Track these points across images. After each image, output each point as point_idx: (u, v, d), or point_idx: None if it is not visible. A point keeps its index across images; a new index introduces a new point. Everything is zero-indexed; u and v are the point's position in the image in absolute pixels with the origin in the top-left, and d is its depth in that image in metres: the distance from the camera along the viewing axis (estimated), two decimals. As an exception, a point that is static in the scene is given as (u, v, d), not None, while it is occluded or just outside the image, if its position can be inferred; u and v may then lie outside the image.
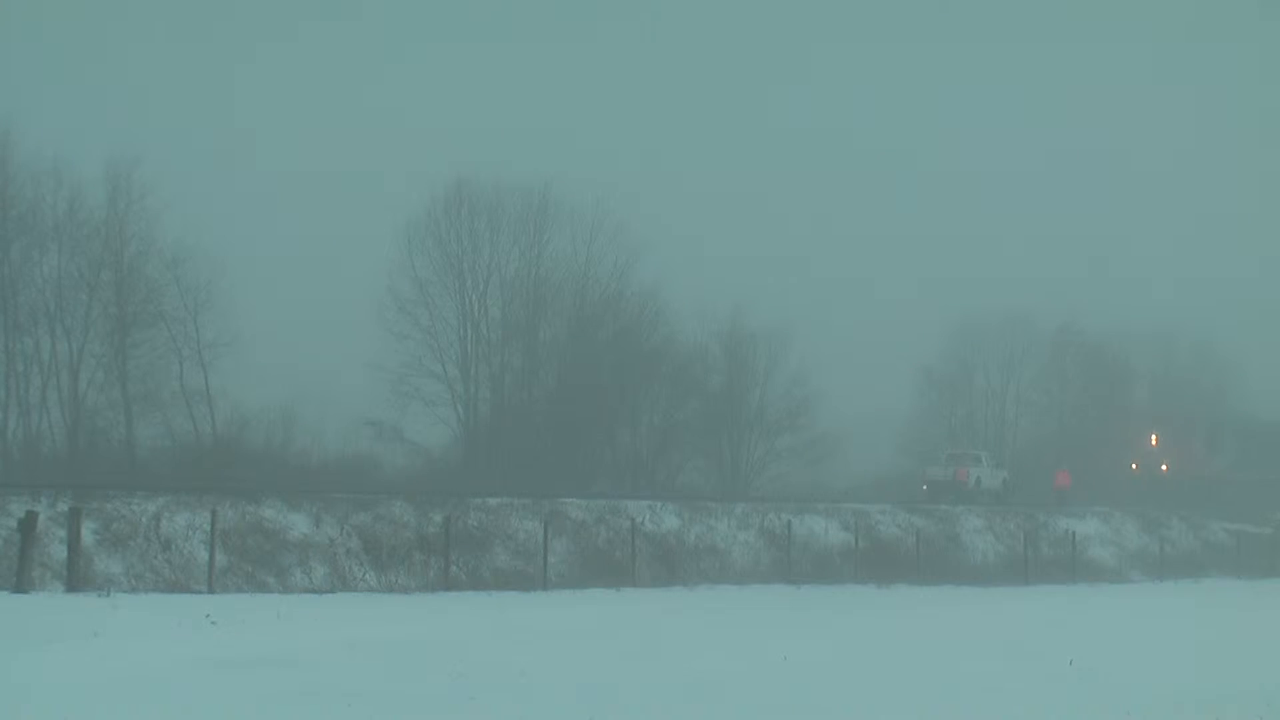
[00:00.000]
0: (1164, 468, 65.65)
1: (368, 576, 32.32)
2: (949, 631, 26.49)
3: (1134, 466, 66.71)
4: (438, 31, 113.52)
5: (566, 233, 59.80)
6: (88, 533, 28.80)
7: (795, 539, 40.33)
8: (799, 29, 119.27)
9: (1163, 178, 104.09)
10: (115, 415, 50.07)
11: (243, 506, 32.36)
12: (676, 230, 75.70)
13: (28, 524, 26.76)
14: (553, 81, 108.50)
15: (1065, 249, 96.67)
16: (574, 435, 58.17)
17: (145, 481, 37.29)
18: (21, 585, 26.07)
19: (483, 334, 58.90)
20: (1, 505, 29.04)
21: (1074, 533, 48.22)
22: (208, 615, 22.85)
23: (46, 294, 49.51)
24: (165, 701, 15.04)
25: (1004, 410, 76.18)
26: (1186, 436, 67.00)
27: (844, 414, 65.87)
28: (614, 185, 75.61)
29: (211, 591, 28.62)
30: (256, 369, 51.76)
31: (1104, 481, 63.35)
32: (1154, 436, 67.37)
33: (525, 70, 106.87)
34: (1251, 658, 22.43)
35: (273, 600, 27.16)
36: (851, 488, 59.04)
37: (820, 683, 17.89)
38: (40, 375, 49.20)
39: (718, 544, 39.63)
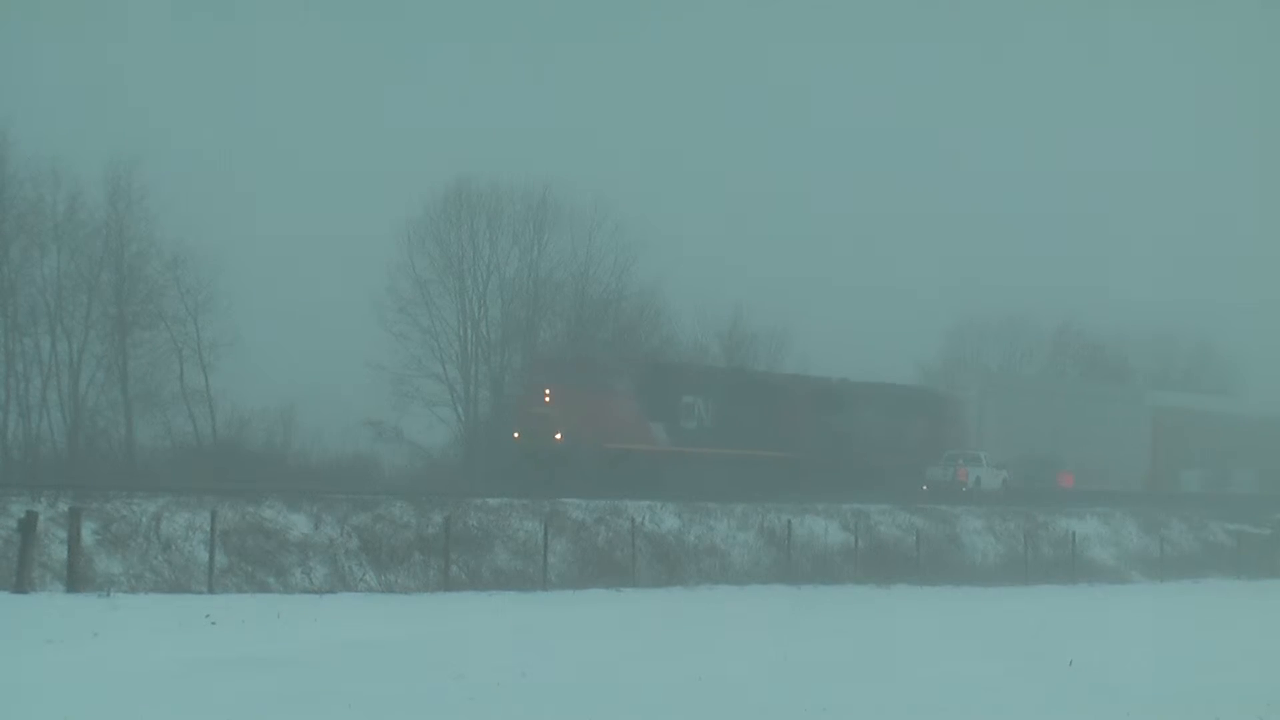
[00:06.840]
0: (558, 437, 43.78)
1: (368, 577, 32.30)
2: (949, 632, 26.49)
3: (515, 436, 45.51)
4: (438, 32, 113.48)
5: (566, 233, 59.71)
6: (88, 533, 28.77)
7: (795, 539, 40.31)
8: (800, 28, 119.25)
9: (1163, 177, 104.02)
10: (115, 415, 50.05)
11: (243, 507, 32.33)
12: (677, 230, 75.41)
13: (28, 524, 26.74)
14: (553, 81, 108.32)
15: (1065, 249, 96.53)
16: (573, 435, 58.03)
17: (145, 481, 37.24)
18: (21, 585, 26.05)
19: (483, 334, 58.87)
20: (1, 505, 28.98)
21: (1074, 533, 48.21)
22: (207, 615, 22.84)
23: (46, 294, 49.45)
24: (165, 702, 15.04)
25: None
26: (599, 392, 44.73)
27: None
28: (614, 185, 75.45)
29: (211, 592, 28.60)
30: (256, 369, 51.77)
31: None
32: (546, 392, 44.67)
33: (525, 70, 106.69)
34: (1251, 658, 22.43)
35: (273, 600, 27.15)
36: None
37: (820, 683, 17.88)
38: (40, 375, 49.14)
39: (718, 544, 39.59)
